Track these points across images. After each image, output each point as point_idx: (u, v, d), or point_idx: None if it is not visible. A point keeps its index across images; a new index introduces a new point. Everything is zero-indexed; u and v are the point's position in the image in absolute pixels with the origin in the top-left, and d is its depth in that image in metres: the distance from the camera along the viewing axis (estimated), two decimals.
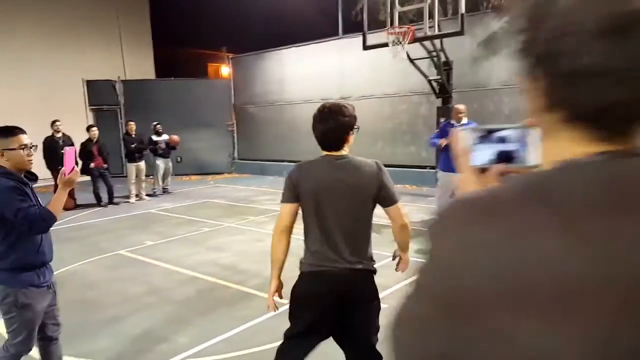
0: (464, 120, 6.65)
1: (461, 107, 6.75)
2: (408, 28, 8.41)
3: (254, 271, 5.47)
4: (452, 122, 6.78)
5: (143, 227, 7.99)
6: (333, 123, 2.28)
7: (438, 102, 11.02)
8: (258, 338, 3.78)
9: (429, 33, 8.47)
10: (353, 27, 12.86)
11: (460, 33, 8.20)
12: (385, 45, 8.99)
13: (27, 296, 2.73)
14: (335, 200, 2.34)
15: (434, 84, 9.64)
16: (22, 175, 2.84)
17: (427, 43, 9.12)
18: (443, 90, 9.65)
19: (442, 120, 9.75)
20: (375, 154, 12.34)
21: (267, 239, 6.87)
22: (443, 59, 9.43)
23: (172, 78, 15.87)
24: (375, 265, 2.54)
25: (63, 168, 2.78)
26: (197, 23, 21.12)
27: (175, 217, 8.74)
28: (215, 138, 15.17)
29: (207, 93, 15.45)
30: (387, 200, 2.40)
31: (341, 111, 2.29)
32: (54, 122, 9.83)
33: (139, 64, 16.70)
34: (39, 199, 2.91)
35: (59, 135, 9.81)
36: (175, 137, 11.11)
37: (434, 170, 11.00)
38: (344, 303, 2.42)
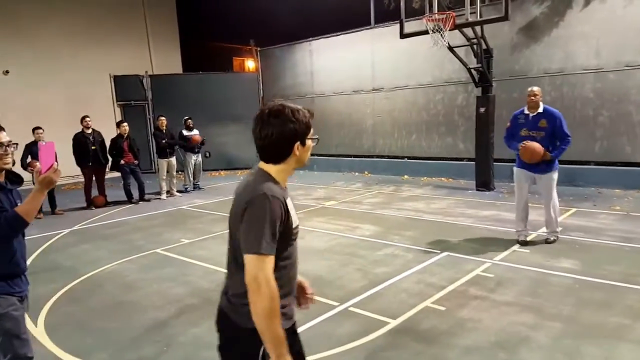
0: (540, 108, 5.60)
1: (536, 89, 5.61)
2: (449, 14, 8.01)
3: (299, 270, 5.21)
4: (525, 110, 5.71)
5: (177, 224, 7.84)
6: (271, 130, 1.73)
7: (475, 91, 10.60)
8: (315, 344, 3.52)
9: (470, 19, 8.05)
10: (385, 16, 12.45)
11: (504, 18, 7.78)
12: (424, 33, 8.64)
13: (1, 306, 2.50)
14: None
15: (474, 72, 9.21)
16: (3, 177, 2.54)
17: (466, 30, 8.72)
18: (483, 79, 9.22)
19: (481, 109, 9.37)
20: (410, 146, 12.03)
21: (307, 236, 6.70)
22: (483, 46, 9.00)
23: (200, 72, 15.71)
24: None
25: (38, 165, 2.43)
26: (223, 16, 20.88)
27: (208, 213, 8.57)
28: (243, 132, 14.90)
29: (235, 87, 15.28)
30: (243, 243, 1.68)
31: (283, 115, 1.73)
32: (83, 118, 9.76)
33: (166, 59, 16.60)
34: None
35: (89, 131, 9.73)
36: (196, 137, 10.89)
37: (472, 162, 10.63)
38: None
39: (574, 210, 7.51)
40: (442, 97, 11.37)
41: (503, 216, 7.34)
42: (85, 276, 5.45)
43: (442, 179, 11.13)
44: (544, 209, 5.87)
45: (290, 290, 1.90)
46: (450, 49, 8.79)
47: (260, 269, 1.62)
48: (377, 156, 12.78)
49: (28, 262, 5.97)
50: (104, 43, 14.95)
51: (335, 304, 4.28)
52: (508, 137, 5.90)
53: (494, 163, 9.53)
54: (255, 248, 1.62)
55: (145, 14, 16.12)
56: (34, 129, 8.96)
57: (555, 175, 5.69)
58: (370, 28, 12.52)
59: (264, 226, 1.63)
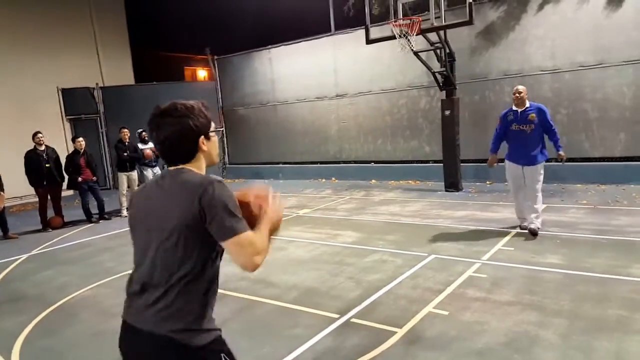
0: (527, 104, 5.92)
1: (520, 88, 5.94)
2: (415, 19, 8.09)
3: (287, 283, 5.05)
4: (513, 108, 5.99)
5: None
6: (168, 130, 1.65)
7: (438, 95, 10.80)
8: None
9: (435, 24, 8.17)
10: (345, 23, 12.51)
11: (469, 22, 7.97)
12: (390, 38, 8.70)
13: None
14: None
15: (438, 76, 9.35)
16: None
17: (430, 35, 8.85)
18: (447, 83, 9.38)
19: (447, 112, 9.53)
20: (376, 150, 12.08)
21: (289, 247, 6.52)
22: (447, 50, 9.16)
23: (154, 82, 15.17)
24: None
25: None
26: (174, 25, 20.38)
27: None
28: None
29: (191, 97, 14.18)
30: (220, 233, 1.59)
31: (177, 113, 1.66)
32: (35, 134, 9.16)
33: (117, 70, 15.93)
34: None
35: (42, 148, 9.13)
36: (148, 151, 10.38)
37: (438, 164, 10.79)
38: None
39: (544, 206, 7.69)
40: (405, 102, 11.50)
41: (478, 215, 7.45)
42: (56, 305, 5.03)
43: (410, 181, 11.23)
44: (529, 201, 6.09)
45: (215, 299, 1.79)
46: (416, 53, 8.89)
47: (250, 244, 1.62)
48: (344, 162, 12.76)
49: None
50: (50, 54, 14.15)
51: (336, 316, 4.14)
52: (496, 136, 6.26)
53: (461, 164, 9.71)
54: (239, 229, 1.60)
55: (93, 23, 15.42)
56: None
57: (541, 167, 6.02)
58: (331, 35, 12.52)
59: (235, 207, 1.62)
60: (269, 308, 4.45)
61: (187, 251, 1.61)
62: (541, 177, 6.01)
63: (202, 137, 1.69)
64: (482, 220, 7.10)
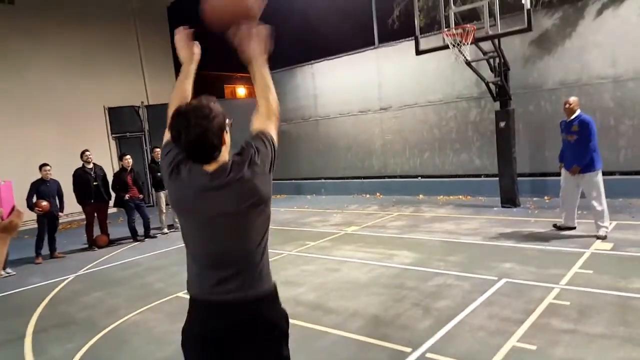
0: (575, 114, 6.37)
1: (571, 99, 6.45)
2: (470, 28, 7.73)
3: (348, 310, 4.71)
4: (565, 118, 6.53)
5: None
6: (199, 129, 1.72)
7: (488, 106, 10.36)
8: None
9: (490, 32, 7.79)
10: (389, 35, 12.25)
11: (527, 29, 7.55)
12: (441, 48, 8.35)
13: None
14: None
15: (492, 86, 8.92)
16: None
17: (483, 44, 8.47)
18: (502, 93, 8.93)
19: (501, 124, 9.08)
20: (422, 164, 11.67)
21: (342, 268, 6.18)
22: (501, 59, 8.74)
23: None
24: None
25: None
26: (214, 43, 20.64)
27: None
28: None
29: (234, 113, 14.69)
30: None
31: (207, 112, 1.74)
32: (83, 152, 9.22)
33: (161, 88, 16.11)
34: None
35: (90, 166, 9.18)
36: None
37: (489, 178, 10.30)
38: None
39: (614, 223, 7.15)
40: (454, 114, 11.08)
41: (543, 234, 6.94)
42: (106, 330, 4.84)
43: (460, 196, 10.75)
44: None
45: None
46: (469, 63, 8.51)
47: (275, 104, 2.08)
48: (389, 176, 12.39)
49: (34, 316, 5.40)
50: (97, 74, 14.46)
51: (407, 349, 3.78)
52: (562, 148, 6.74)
53: (517, 178, 9.20)
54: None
55: (139, 43, 15.71)
56: (41, 166, 8.40)
57: (593, 176, 6.34)
58: (375, 48, 12.29)
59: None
60: (333, 339, 4.12)
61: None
62: (596, 186, 6.31)
63: (224, 132, 1.80)
64: (549, 239, 6.59)
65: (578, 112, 6.39)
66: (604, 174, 9.12)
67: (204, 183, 1.79)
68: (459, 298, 4.77)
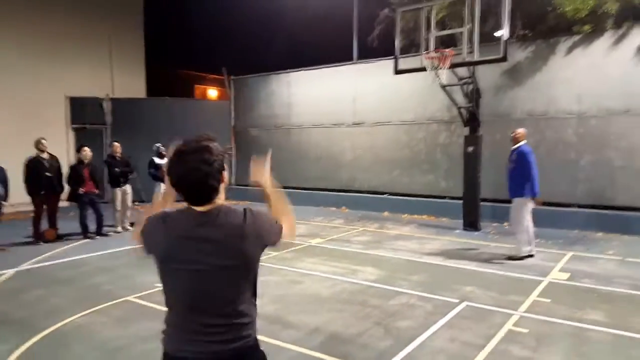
0: (517, 145, 6.90)
1: (517, 130, 7.01)
2: (448, 52, 7.85)
3: (309, 325, 4.59)
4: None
5: (147, 265, 6.63)
6: (202, 171, 1.70)
7: (458, 130, 10.54)
8: None
9: (467, 59, 7.93)
10: (368, 52, 12.36)
11: (502, 59, 7.75)
12: (419, 70, 8.45)
13: None
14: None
15: (464, 112, 9.08)
16: None
17: (459, 70, 8.62)
18: (472, 119, 9.10)
19: (469, 149, 9.24)
20: (390, 182, 11.72)
21: (305, 281, 6.06)
22: (475, 86, 8.92)
23: (167, 97, 14.90)
24: None
25: None
26: (190, 43, 20.31)
27: None
28: None
29: (204, 115, 14.59)
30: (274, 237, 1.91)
31: (209, 154, 1.72)
32: (39, 140, 8.74)
33: (129, 82, 15.68)
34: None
35: (45, 155, 8.71)
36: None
37: (454, 201, 10.46)
38: None
39: (570, 254, 7.35)
40: (424, 135, 11.22)
41: (503, 259, 7.03)
42: (45, 332, 4.47)
43: (424, 216, 10.85)
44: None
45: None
46: (444, 87, 8.64)
47: (290, 227, 2.00)
48: (356, 191, 12.40)
49: None
50: (61, 61, 13.90)
51: None
52: None
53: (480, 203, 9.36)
54: (279, 226, 1.92)
55: (110, 35, 15.20)
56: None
57: (518, 201, 6.84)
58: (353, 63, 12.36)
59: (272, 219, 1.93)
60: (291, 355, 3.99)
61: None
62: (519, 211, 6.77)
63: (224, 172, 1.77)
64: (509, 266, 6.69)
65: (521, 143, 6.85)
66: (561, 205, 9.51)
67: (190, 224, 1.74)
68: (421, 319, 4.74)
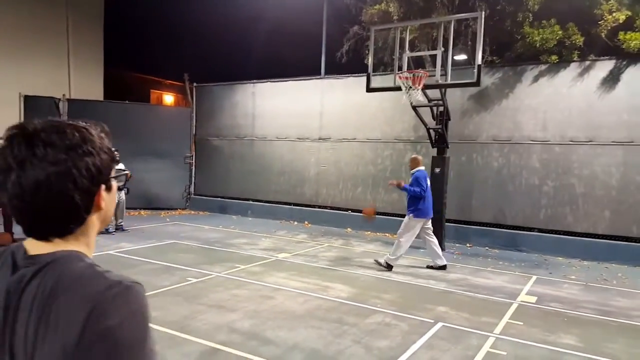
0: (415, 169, 7.64)
1: (412, 157, 7.85)
2: (424, 73, 7.96)
3: (287, 342, 4.40)
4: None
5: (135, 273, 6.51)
6: (44, 172, 0.91)
7: (423, 151, 10.69)
8: None
9: (440, 81, 8.07)
10: (335, 68, 12.39)
11: (475, 84, 7.92)
12: (391, 89, 8.53)
13: None
14: None
15: (432, 133, 9.22)
16: None
17: (429, 91, 8.76)
18: (440, 140, 9.25)
19: (437, 170, 9.37)
20: (354, 198, 11.70)
21: (277, 296, 5.87)
22: (441, 109, 9.09)
23: (126, 102, 14.36)
24: None
25: None
26: (148, 47, 19.75)
27: (144, 261, 7.35)
28: (169, 170, 13.74)
29: (163, 121, 14.11)
30: None
31: (66, 140, 0.93)
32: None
33: (87, 84, 15.04)
34: None
35: None
36: (128, 173, 9.66)
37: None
38: None
39: (534, 277, 7.51)
40: (390, 154, 11.31)
41: (471, 281, 7.11)
42: None
43: (387, 234, 10.86)
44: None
45: None
46: (414, 108, 8.74)
47: None
48: (320, 206, 12.28)
49: None
50: (16, 57, 13.14)
51: None
52: None
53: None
54: None
55: (68, 33, 14.59)
56: None
57: (406, 219, 7.52)
58: (320, 78, 12.32)
59: (147, 341, 0.90)
60: None
61: None
62: (404, 229, 7.45)
63: (103, 186, 1.00)
64: (477, 287, 6.75)
65: (417, 169, 7.57)
66: (523, 229, 9.79)
67: (5, 275, 0.95)
68: (399, 338, 4.65)
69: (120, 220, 10.00)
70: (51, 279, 0.90)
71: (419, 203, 7.38)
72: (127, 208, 11.44)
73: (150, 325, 0.91)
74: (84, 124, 1.00)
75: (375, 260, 7.82)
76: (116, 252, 8.00)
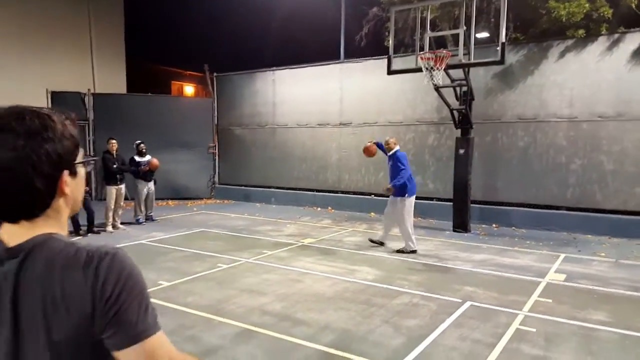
0: (393, 151, 7.60)
1: (390, 139, 7.74)
2: (446, 54, 7.88)
3: (318, 323, 4.51)
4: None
5: (145, 262, 6.72)
6: (5, 156, 0.96)
7: (447, 133, 10.62)
8: None
9: (463, 60, 7.97)
10: (354, 52, 12.32)
11: (500, 62, 7.80)
12: (412, 70, 8.45)
13: None
14: None
15: (455, 114, 9.13)
16: None
17: (453, 72, 8.66)
18: (464, 121, 9.16)
19: (461, 151, 9.30)
20: (377, 183, 11.71)
21: (305, 279, 5.97)
22: (464, 89, 8.98)
23: (149, 94, 14.59)
24: None
25: None
26: (169, 38, 19.96)
27: (176, 250, 7.55)
28: (193, 161, 13.98)
29: (186, 112, 14.31)
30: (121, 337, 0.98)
31: (26, 127, 0.97)
32: None
33: (110, 77, 15.30)
34: None
35: None
36: (155, 161, 9.89)
37: (441, 202, 10.57)
38: None
39: (563, 256, 7.44)
40: (413, 136, 11.25)
41: (498, 260, 7.09)
42: None
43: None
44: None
45: None
46: (437, 89, 8.66)
47: (169, 350, 1.02)
48: (342, 192, 12.33)
49: None
50: (42, 55, 13.46)
51: None
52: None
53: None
54: (153, 327, 1.00)
55: (90, 28, 14.84)
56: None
57: (402, 202, 7.45)
58: (340, 62, 12.28)
59: (144, 292, 1.01)
60: (308, 352, 3.90)
61: None
62: (405, 215, 7.40)
63: (66, 172, 1.03)
64: (505, 267, 6.73)
65: (396, 148, 7.59)
66: (551, 208, 9.66)
67: (2, 273, 0.99)
68: (427, 318, 4.71)
69: (150, 211, 10.24)
70: (40, 264, 0.97)
71: (409, 183, 7.43)
72: (156, 199, 11.73)
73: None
74: (47, 110, 1.03)
75: (370, 240, 8.06)
76: (148, 241, 8.22)
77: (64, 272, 0.97)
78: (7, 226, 1.01)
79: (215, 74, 14.61)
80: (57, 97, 13.51)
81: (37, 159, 0.97)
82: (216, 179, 14.56)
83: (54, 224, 1.04)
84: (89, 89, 14.00)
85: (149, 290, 1.04)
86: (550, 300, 5.26)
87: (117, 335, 0.97)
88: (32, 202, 0.99)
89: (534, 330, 4.42)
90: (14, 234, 1.00)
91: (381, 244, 7.88)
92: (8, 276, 0.98)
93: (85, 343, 0.97)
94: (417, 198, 11.06)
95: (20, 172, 0.96)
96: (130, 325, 0.97)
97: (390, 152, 7.64)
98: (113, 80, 15.53)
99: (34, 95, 13.11)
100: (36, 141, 0.97)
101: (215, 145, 14.45)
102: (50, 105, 13.39)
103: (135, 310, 0.98)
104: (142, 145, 9.99)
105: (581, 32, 9.00)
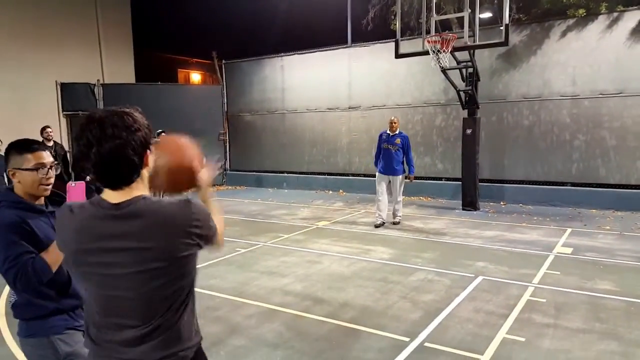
0: (397, 131, 8.13)
1: (395, 118, 8.27)
2: (452, 36, 8.03)
3: (338, 300, 4.81)
4: (387, 132, 8.17)
5: None
6: (114, 144, 1.39)
7: (454, 113, 10.81)
8: None
9: (469, 43, 8.13)
10: (361, 36, 12.43)
11: (504, 44, 7.95)
12: (420, 53, 8.62)
13: (68, 342, 2.09)
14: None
15: (462, 95, 9.31)
16: (41, 201, 2.21)
17: (458, 53, 8.82)
18: (471, 102, 9.34)
19: (468, 131, 9.50)
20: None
21: (323, 261, 6.27)
22: (470, 70, 9.14)
23: (158, 83, 14.79)
24: None
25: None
26: (175, 26, 20.04)
27: None
28: (204, 148, 13.76)
29: (195, 100, 14.51)
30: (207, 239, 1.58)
31: (126, 123, 1.42)
32: (44, 128, 8.77)
33: (118, 67, 15.45)
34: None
35: (50, 144, 8.69)
36: None
37: (450, 182, 10.80)
38: None
39: (569, 230, 7.70)
40: (420, 118, 11.44)
41: (507, 236, 7.36)
42: None
43: (422, 197, 11.13)
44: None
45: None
46: (444, 71, 8.82)
47: (221, 232, 1.73)
48: (353, 174, 12.59)
49: None
50: (50, 46, 13.62)
51: (405, 339, 3.93)
52: (376, 152, 8.33)
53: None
54: (215, 228, 1.61)
55: (98, 18, 14.96)
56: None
57: (400, 179, 8.17)
58: (347, 47, 12.42)
59: (209, 215, 1.59)
60: (330, 327, 4.20)
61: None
62: (401, 188, 8.18)
63: (148, 150, 1.49)
64: (514, 242, 7.00)
65: (398, 129, 8.14)
66: (556, 184, 9.91)
67: (100, 218, 1.44)
68: (442, 292, 4.99)
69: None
70: (140, 213, 1.43)
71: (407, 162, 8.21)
72: None
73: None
74: (129, 109, 1.47)
75: (394, 222, 8.35)
76: None
77: (161, 207, 1.46)
78: (108, 191, 1.46)
79: (223, 61, 14.77)
80: (67, 88, 13.74)
81: (134, 144, 1.42)
82: (227, 165, 14.82)
83: (142, 187, 1.50)
84: (98, 80, 14.19)
85: None
86: (558, 273, 5.54)
87: (202, 238, 1.52)
88: (131, 172, 1.45)
89: (544, 300, 4.70)
90: (115, 197, 1.45)
91: (383, 224, 8.27)
92: (121, 218, 1.43)
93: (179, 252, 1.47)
94: (426, 178, 11.46)
95: (125, 153, 1.41)
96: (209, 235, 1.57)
97: (395, 133, 8.11)
98: (122, 70, 15.69)
99: (44, 87, 13.36)
100: (131, 131, 1.42)
101: (225, 132, 14.68)
102: (60, 97, 13.65)
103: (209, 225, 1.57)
104: (163, 134, 10.21)
105: (582, 11, 9.15)
